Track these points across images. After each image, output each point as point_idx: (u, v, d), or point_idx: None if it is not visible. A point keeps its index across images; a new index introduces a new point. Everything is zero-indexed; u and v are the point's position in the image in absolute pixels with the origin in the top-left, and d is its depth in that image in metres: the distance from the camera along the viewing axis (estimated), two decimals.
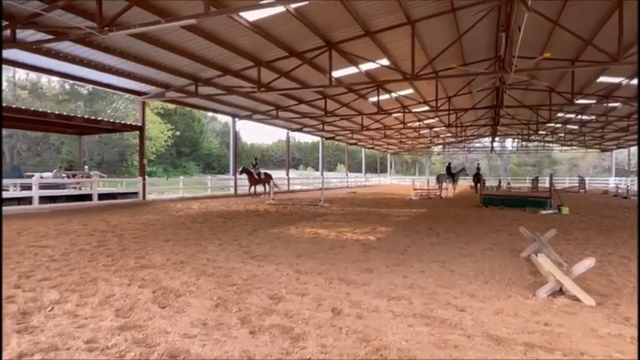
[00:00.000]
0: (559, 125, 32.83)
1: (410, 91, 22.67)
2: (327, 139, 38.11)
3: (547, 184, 24.07)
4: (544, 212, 13.77)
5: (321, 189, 19.75)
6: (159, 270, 5.48)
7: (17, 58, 13.24)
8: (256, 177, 21.94)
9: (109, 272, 5.36)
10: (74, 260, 6.07)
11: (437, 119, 30.87)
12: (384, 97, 22.77)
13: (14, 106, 22.04)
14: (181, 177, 25.94)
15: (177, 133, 45.94)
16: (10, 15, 10.35)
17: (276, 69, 16.49)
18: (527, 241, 6.81)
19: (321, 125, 30.60)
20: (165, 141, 42.63)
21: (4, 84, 37.84)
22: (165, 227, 9.87)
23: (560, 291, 4.39)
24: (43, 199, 14.41)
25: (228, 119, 25.87)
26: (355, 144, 44.21)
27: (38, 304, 4.05)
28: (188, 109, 42.25)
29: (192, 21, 8.51)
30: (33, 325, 3.52)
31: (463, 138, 42.10)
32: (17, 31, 10.65)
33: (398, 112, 26.19)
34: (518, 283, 4.96)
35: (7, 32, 10.74)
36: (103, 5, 9.12)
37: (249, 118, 25.67)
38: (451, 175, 26.27)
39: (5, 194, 14.34)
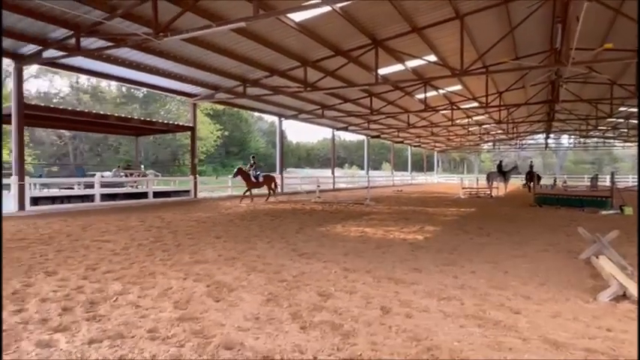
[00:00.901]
0: (621, 120, 30.82)
1: (458, 87, 22.09)
2: (372, 137, 37.87)
3: (608, 183, 22.66)
4: (604, 213, 12.99)
5: (366, 187, 19.61)
6: (212, 265, 5.69)
7: (81, 64, 14.15)
8: (254, 179, 17.79)
9: (166, 266, 5.64)
10: (134, 254, 6.43)
11: (487, 116, 29.85)
12: (431, 93, 22.33)
13: (78, 109, 23.51)
14: (230, 176, 26.72)
15: (226, 133, 47.26)
16: (76, 25, 11.08)
17: (321, 68, 16.60)
18: (587, 243, 6.46)
19: (367, 123, 30.46)
20: (215, 141, 43.98)
21: (68, 89, 40.49)
22: (216, 224, 10.21)
23: (624, 295, 4.15)
24: (104, 197, 15.32)
25: (275, 119, 26.30)
26: (401, 142, 43.64)
27: (104, 295, 4.34)
28: (236, 109, 43.36)
29: (242, 24, 8.75)
30: (100, 313, 3.77)
31: (515, 135, 40.43)
32: (81, 39, 11.39)
33: (445, 109, 25.59)
34: (577, 286, 4.74)
35: (72, 41, 11.53)
36: (158, 12, 9.56)
37: (295, 117, 25.99)
38: (502, 173, 25.31)
39: (70, 192, 15.36)
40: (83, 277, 5.02)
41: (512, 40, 15.41)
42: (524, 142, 49.02)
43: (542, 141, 44.57)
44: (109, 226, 9.65)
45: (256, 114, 52.56)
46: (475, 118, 31.39)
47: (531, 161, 30.74)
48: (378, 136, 38.43)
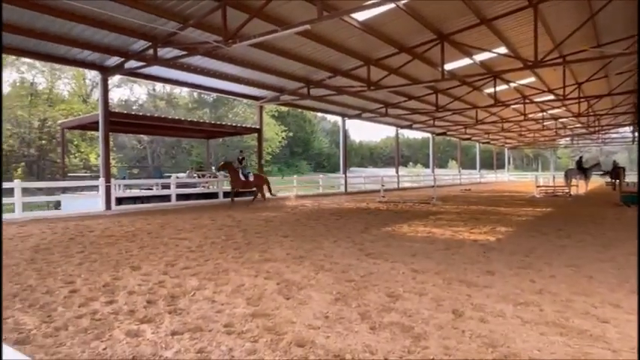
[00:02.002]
0: None
1: (532, 79, 20.82)
2: (437, 134, 36.81)
3: None
4: None
5: (432, 186, 19.09)
6: (281, 263, 5.85)
7: (157, 73, 15.14)
8: (242, 178, 15.81)
9: (238, 264, 5.88)
10: (208, 252, 6.77)
11: (564, 109, 27.85)
12: (502, 87, 21.26)
13: (155, 115, 25.22)
14: (295, 176, 27.24)
15: (290, 134, 48.24)
16: (153, 36, 11.87)
17: (385, 66, 16.42)
18: None
19: (432, 121, 29.67)
20: (280, 142, 45.07)
21: (145, 96, 43.46)
22: (283, 224, 10.46)
23: None
24: (179, 197, 16.26)
25: (338, 119, 26.42)
26: (468, 139, 41.98)
27: (183, 290, 4.61)
28: (300, 110, 44.09)
29: (307, 26, 8.89)
30: (180, 307, 4.02)
31: (596, 128, 37.32)
32: (158, 49, 12.18)
33: (517, 103, 24.22)
34: None
35: (150, 52, 12.36)
36: (227, 20, 9.99)
37: (358, 117, 25.93)
38: (582, 170, 23.45)
39: (149, 192, 16.49)
40: (164, 273, 5.38)
41: (592, 27, 14.24)
42: (607, 136, 45.13)
43: (629, 134, 40.73)
44: (184, 225, 10.24)
45: (320, 114, 53.24)
46: (551, 111, 29.41)
47: (615, 160, 28.17)
48: (443, 134, 37.28)
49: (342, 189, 25.42)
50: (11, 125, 27.80)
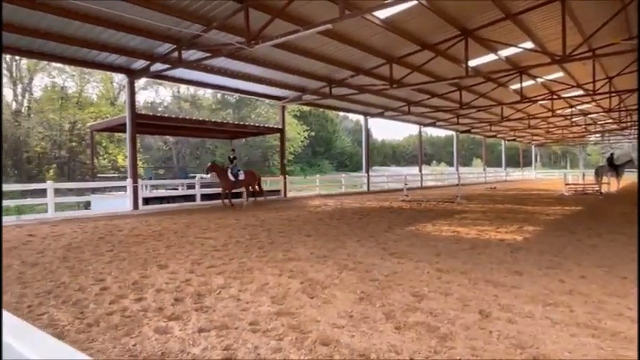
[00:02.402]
0: None
1: (559, 74, 20.25)
2: (461, 132, 36.25)
3: None
4: None
5: (456, 185, 18.81)
6: (304, 263, 5.87)
7: (182, 75, 15.40)
8: (232, 179, 14.80)
9: (262, 263, 5.93)
10: (232, 251, 6.85)
11: (594, 104, 26.99)
12: (528, 83, 20.76)
13: (180, 116, 25.65)
14: (317, 175, 27.30)
15: (312, 134, 48.33)
16: (178, 39, 12.09)
17: (407, 64, 16.27)
18: None
19: (456, 118, 29.24)
20: (302, 141, 45.23)
21: (170, 98, 44.27)
22: (306, 223, 10.50)
23: None
24: (204, 197, 16.51)
25: (360, 118, 26.36)
26: (494, 136, 41.18)
27: (208, 288, 4.69)
28: (322, 110, 44.18)
29: (328, 26, 8.90)
30: (206, 305, 4.08)
31: (628, 124, 36.03)
32: (182, 52, 12.40)
33: (544, 98, 23.63)
34: None
35: (174, 54, 12.59)
36: (250, 21, 10.09)
37: (380, 115, 25.78)
38: (614, 167, 22.67)
39: (175, 192, 16.80)
40: (190, 271, 5.47)
41: (624, 18, 13.75)
42: None
43: None
44: (209, 224, 10.39)
45: (342, 113, 53.22)
46: (580, 107, 28.55)
47: None
48: (468, 131, 36.68)
49: (365, 188, 25.33)
50: (43, 128, 28.78)
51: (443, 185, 32.63)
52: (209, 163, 15.03)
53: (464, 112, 26.52)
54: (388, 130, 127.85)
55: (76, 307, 4.10)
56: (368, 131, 26.27)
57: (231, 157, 15.71)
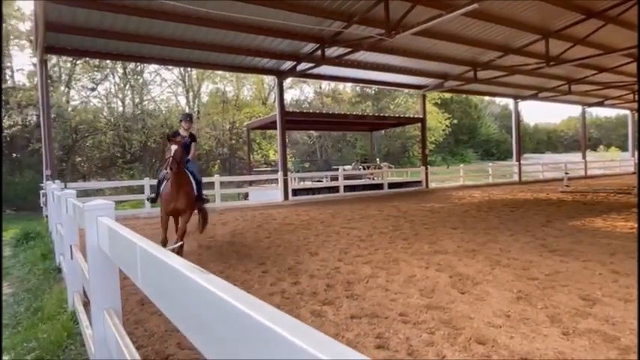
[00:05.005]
0: None
1: None
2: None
3: None
4: None
5: (633, 173, 15.96)
6: (452, 256, 5.67)
7: (324, 72, 16.07)
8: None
9: (407, 254, 5.90)
10: (377, 241, 6.97)
11: None
12: None
13: (323, 111, 26.91)
14: (461, 165, 25.97)
15: (455, 122, 46.02)
16: (320, 38, 12.65)
17: (567, 37, 14.32)
18: None
19: (631, 95, 24.79)
20: (444, 130, 43.42)
21: (313, 95, 46.64)
22: (451, 215, 10.09)
23: None
24: (346, 188, 17.08)
25: (508, 101, 24.22)
26: None
27: (357, 276, 4.86)
28: (464, 96, 41.69)
29: (475, 5, 8.34)
30: (356, 293, 4.24)
31: None
32: (325, 50, 12.93)
33: None
34: None
35: (318, 52, 13.20)
36: (389, 11, 10.02)
37: (534, 97, 23.27)
38: None
39: (320, 184, 17.71)
40: (338, 259, 5.74)
41: None
42: None
43: None
44: (353, 215, 10.73)
45: (487, 98, 49.59)
46: None
47: None
48: None
49: (516, 178, 23.19)
50: (209, 129, 33.00)
51: (614, 174, 28.03)
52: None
53: None
54: (542, 114, 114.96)
55: (243, 286, 4.64)
56: (518, 115, 23.95)
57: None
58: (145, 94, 31.29)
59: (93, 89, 28.52)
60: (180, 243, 5.66)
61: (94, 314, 1.97)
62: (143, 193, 12.73)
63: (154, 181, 8.71)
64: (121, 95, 30.05)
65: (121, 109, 29.97)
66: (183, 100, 34.63)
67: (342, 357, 0.47)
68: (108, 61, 26.66)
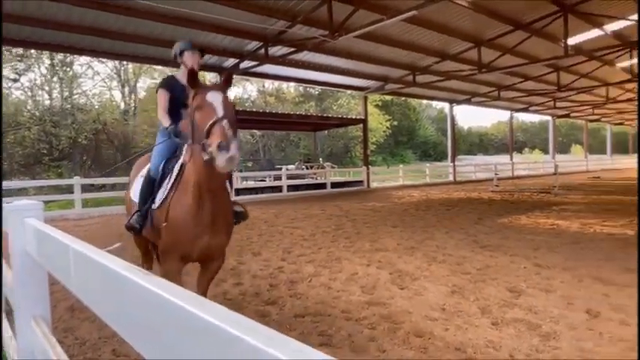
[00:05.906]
0: None
1: None
2: (559, 117, 33.32)
3: None
4: None
5: (553, 174, 17.34)
6: (392, 254, 5.86)
7: (268, 70, 15.97)
8: None
9: (349, 252, 6.03)
10: (320, 240, 7.04)
11: None
12: None
13: (267, 110, 26.68)
14: (401, 165, 26.87)
15: (395, 123, 47.50)
16: (264, 36, 12.54)
17: (498, 46, 15.29)
18: None
19: (552, 102, 26.94)
20: (384, 131, 44.67)
21: (256, 94, 46.17)
22: (391, 214, 10.42)
23: None
24: (290, 188, 17.08)
25: (444, 105, 25.39)
26: (597, 120, 37.29)
27: (300, 275, 4.88)
28: (404, 98, 43.15)
29: (414, 12, 8.67)
30: (299, 292, 4.27)
31: None
32: (268, 48, 12.85)
33: None
34: None
35: (261, 51, 13.09)
36: (333, 13, 10.16)
37: (467, 102, 24.62)
38: None
39: (262, 184, 17.56)
40: (282, 259, 5.74)
41: None
42: None
43: None
44: (296, 214, 10.76)
45: (425, 101, 51.61)
46: None
47: None
48: (566, 116, 33.62)
49: (451, 178, 24.40)
50: (147, 126, 31.66)
51: (537, 175, 30.31)
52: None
53: (562, 94, 24.32)
54: (475, 117, 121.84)
55: None
56: (453, 119, 25.20)
57: None
58: (76, 88, 29.29)
59: (15, 80, 26.31)
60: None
61: (20, 324, 1.83)
62: (72, 192, 11.87)
63: (86, 180, 8.03)
64: (47, 88, 27.93)
65: (47, 102, 27.85)
66: (118, 95, 32.80)
67: (303, 356, 0.47)
68: (32, 51, 24.72)
